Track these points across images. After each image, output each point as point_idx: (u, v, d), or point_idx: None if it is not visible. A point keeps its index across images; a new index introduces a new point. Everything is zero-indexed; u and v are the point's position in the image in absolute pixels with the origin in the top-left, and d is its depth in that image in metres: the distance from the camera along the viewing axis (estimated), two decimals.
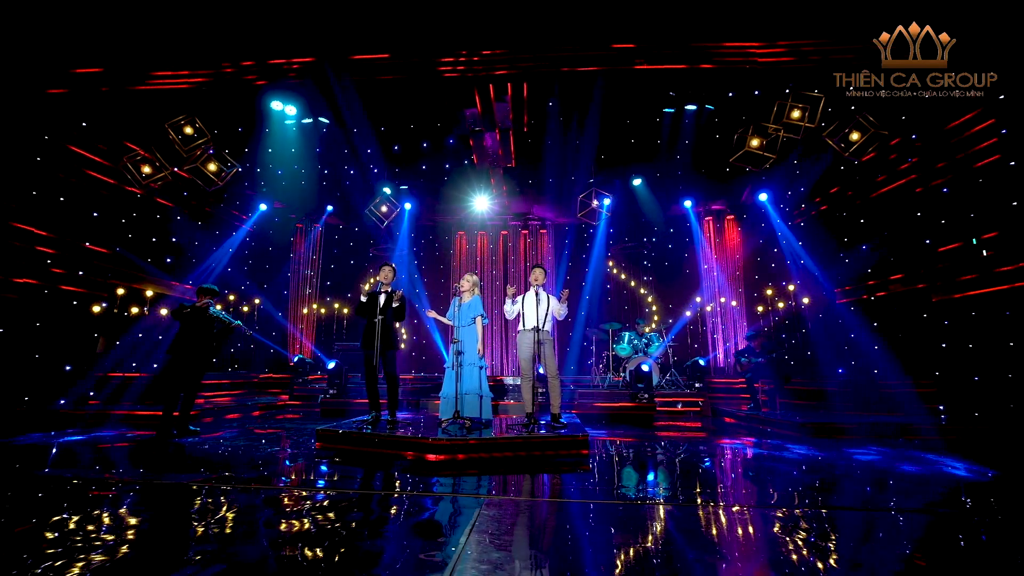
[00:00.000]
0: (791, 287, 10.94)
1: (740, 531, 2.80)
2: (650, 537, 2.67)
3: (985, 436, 6.15)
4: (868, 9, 6.76)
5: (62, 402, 7.81)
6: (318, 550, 2.41)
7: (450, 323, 5.84)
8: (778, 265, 11.34)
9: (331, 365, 8.82)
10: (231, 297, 11.19)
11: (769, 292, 11.34)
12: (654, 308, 12.54)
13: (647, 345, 9.62)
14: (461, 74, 7.59)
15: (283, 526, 2.78)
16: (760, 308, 11.55)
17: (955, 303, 7.68)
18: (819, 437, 6.33)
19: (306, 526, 2.76)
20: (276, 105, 8.74)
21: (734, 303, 11.73)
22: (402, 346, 12.77)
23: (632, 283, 12.88)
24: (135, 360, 8.84)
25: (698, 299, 11.88)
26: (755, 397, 8.13)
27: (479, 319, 5.72)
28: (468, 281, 5.87)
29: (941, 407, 7.51)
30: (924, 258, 8.20)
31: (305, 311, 12.60)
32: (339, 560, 2.30)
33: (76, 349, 8.12)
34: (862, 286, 9.44)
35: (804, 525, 2.86)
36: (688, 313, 12.00)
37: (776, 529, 2.81)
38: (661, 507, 3.22)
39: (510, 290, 5.77)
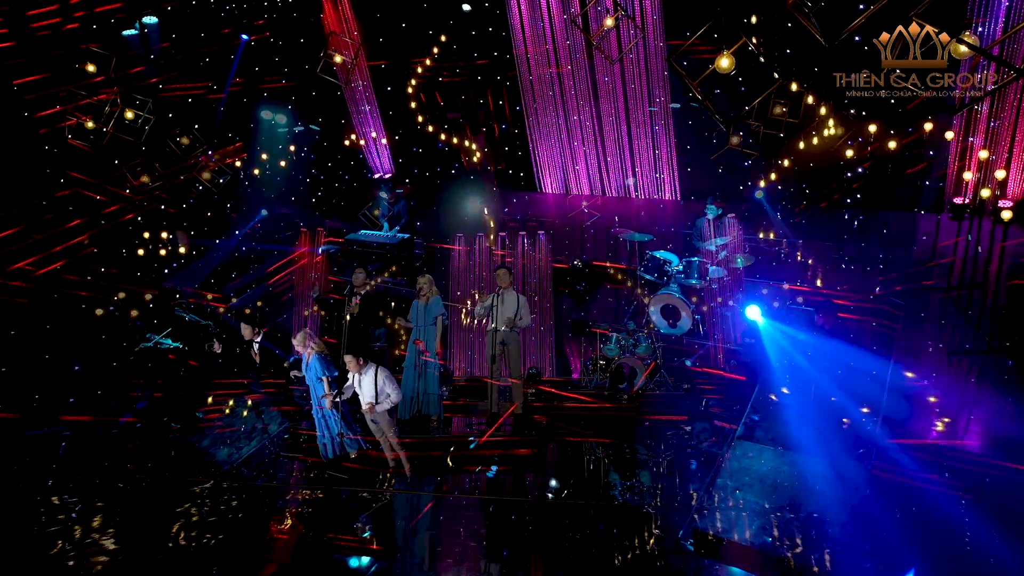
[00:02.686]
0: (788, 286, 10.63)
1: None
2: (546, 530, 2.70)
3: None
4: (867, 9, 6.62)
5: (71, 400, 8.28)
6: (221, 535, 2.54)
7: (410, 325, 5.96)
8: (779, 264, 11.02)
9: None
10: (234, 299, 11.60)
11: (766, 291, 11.04)
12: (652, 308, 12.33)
13: (635, 346, 9.49)
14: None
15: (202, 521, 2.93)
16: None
17: None
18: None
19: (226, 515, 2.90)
20: (266, 114, 9.07)
21: (732, 303, 11.45)
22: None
23: (629, 283, 12.71)
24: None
25: (695, 299, 11.63)
26: None
27: (440, 319, 5.83)
28: (428, 282, 5.99)
29: None
30: None
31: (306, 313, 12.93)
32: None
33: (84, 350, 8.60)
34: (861, 286, 9.15)
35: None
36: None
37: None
38: (569, 506, 3.24)
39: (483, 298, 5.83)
